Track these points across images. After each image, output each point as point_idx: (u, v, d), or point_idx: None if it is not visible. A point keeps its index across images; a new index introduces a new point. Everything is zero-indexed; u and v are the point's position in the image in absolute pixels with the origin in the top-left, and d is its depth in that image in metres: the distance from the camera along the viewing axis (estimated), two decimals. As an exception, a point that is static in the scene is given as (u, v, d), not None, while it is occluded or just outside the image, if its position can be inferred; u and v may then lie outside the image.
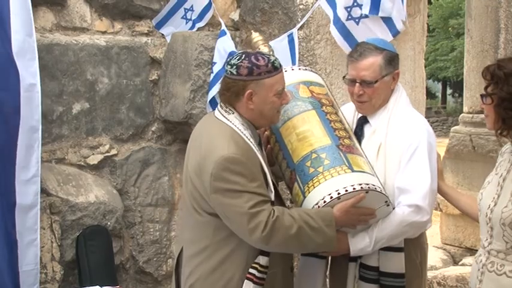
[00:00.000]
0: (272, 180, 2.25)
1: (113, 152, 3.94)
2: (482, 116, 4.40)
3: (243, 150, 2.16)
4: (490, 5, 4.39)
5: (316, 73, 2.64)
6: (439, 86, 28.95)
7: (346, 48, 3.24)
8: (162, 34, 4.12)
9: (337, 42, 3.34)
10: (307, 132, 2.30)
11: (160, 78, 4.06)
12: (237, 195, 2.10)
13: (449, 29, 22.27)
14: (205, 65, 3.85)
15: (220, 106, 2.30)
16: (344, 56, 3.53)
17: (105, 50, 3.90)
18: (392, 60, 2.42)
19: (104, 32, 3.98)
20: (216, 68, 3.82)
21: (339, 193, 2.14)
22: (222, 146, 2.14)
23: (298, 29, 3.46)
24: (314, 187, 2.18)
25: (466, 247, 4.47)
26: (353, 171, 2.19)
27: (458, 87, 24.53)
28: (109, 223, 3.69)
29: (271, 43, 3.50)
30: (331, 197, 2.14)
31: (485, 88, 2.11)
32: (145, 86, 4.05)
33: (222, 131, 2.20)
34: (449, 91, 28.69)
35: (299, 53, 3.43)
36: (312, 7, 3.42)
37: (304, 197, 2.21)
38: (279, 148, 2.39)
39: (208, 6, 4.03)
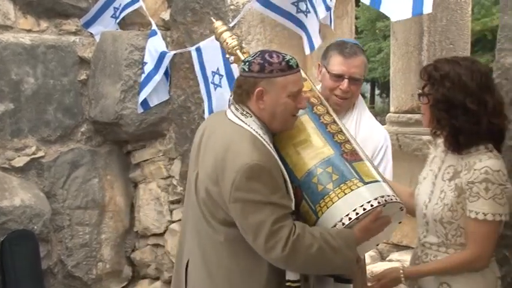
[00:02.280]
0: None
1: (40, 154, 3.83)
2: (408, 116, 4.60)
3: (267, 157, 2.00)
4: (414, 9, 4.52)
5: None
6: (368, 86, 29.64)
7: (307, 39, 3.20)
8: (91, 33, 4.04)
9: (300, 35, 3.28)
10: (305, 142, 2.15)
11: (89, 78, 3.98)
12: (259, 207, 1.96)
13: (377, 31, 22.83)
14: (135, 65, 3.81)
15: (235, 108, 2.12)
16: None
17: (31, 49, 3.79)
18: (367, 61, 2.55)
19: (28, 31, 3.87)
20: (147, 68, 3.78)
21: (357, 213, 2.01)
22: (245, 153, 1.98)
23: (229, 30, 3.47)
24: (327, 207, 2.04)
25: (393, 243, 4.59)
26: (365, 183, 2.06)
27: (385, 87, 25.22)
28: (36, 227, 3.59)
29: (202, 43, 3.50)
30: (350, 218, 2.01)
31: (423, 88, 2.14)
32: (74, 86, 3.96)
33: (242, 136, 2.03)
34: (377, 91, 29.43)
35: (230, 53, 3.43)
36: (243, 8, 3.43)
37: (318, 218, 2.07)
38: None
39: (133, 1, 3.93)
